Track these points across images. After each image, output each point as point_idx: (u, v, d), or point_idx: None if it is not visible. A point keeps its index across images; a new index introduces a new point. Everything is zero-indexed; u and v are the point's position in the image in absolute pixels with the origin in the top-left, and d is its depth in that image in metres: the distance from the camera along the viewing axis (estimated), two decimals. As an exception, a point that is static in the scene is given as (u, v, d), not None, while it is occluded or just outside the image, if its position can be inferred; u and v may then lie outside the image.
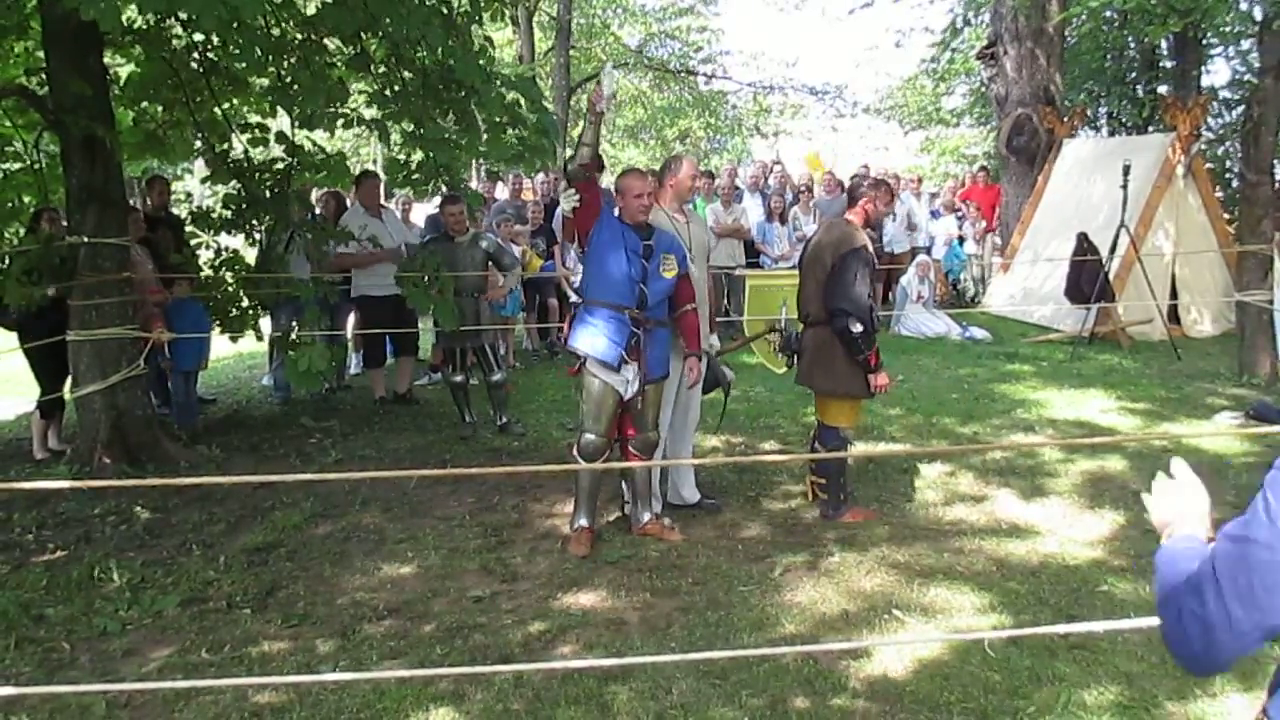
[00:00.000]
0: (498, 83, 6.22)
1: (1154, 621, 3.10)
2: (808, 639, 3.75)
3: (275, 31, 6.02)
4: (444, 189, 6.76)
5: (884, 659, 3.54)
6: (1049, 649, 3.57)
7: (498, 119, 6.15)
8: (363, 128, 6.48)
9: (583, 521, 4.80)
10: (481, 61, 6.05)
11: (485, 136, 6.22)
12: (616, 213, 4.74)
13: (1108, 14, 15.62)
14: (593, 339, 4.64)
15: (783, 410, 7.39)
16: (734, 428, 6.87)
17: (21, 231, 6.55)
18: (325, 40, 6.19)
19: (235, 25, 5.69)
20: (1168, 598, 1.46)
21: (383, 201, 8.77)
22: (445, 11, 5.99)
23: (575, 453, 4.81)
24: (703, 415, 5.49)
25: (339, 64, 6.33)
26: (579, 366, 4.73)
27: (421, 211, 10.84)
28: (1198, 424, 6.84)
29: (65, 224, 6.31)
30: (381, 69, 6.09)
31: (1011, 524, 4.93)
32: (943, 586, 4.18)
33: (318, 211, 8.50)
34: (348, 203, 8.54)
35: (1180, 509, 1.59)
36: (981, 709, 3.20)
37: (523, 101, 6.25)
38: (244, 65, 6.09)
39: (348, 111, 6.41)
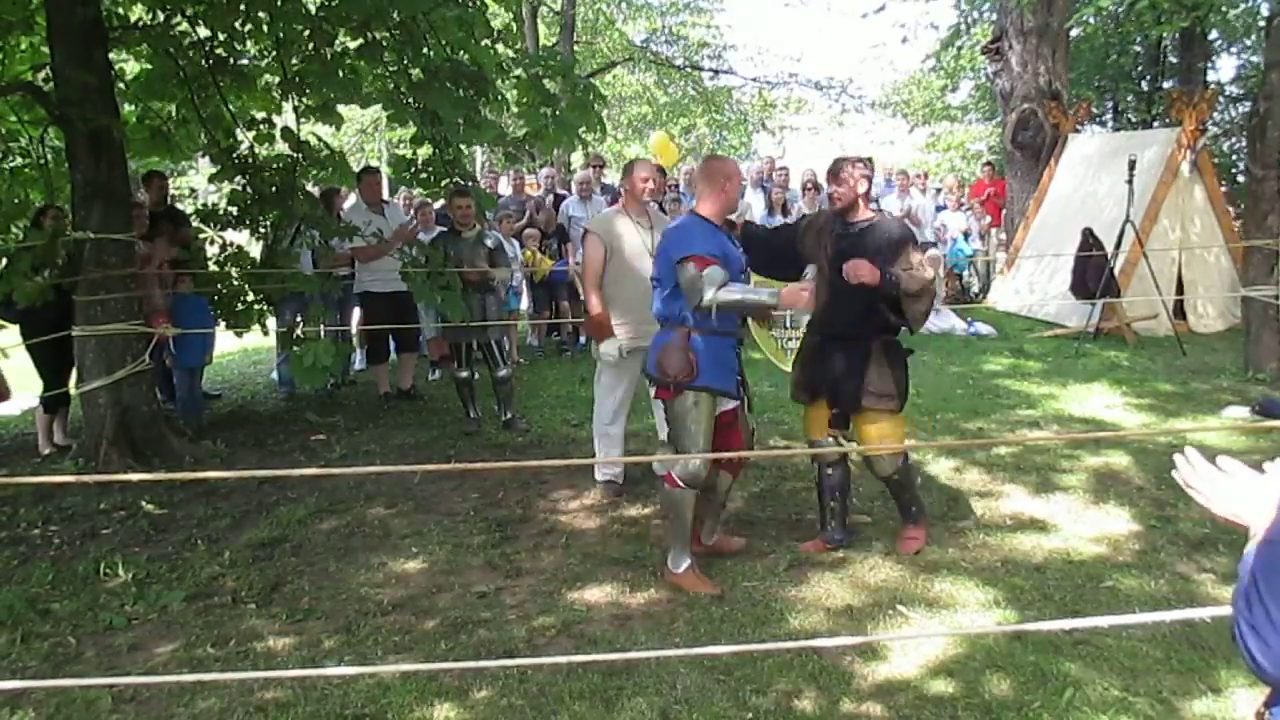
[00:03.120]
0: (524, 63, 6.22)
1: (1158, 617, 3.12)
2: (812, 634, 3.75)
3: (281, 29, 6.05)
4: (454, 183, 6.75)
5: (889, 654, 3.54)
6: (1054, 645, 3.56)
7: (525, 100, 6.15)
8: (369, 117, 6.52)
9: (686, 562, 4.22)
10: (508, 46, 6.05)
11: (517, 117, 6.23)
12: (706, 214, 4.25)
13: (1113, 9, 15.59)
14: (716, 372, 4.13)
15: (787, 406, 7.36)
16: (738, 423, 6.88)
17: (27, 228, 6.57)
18: (334, 30, 6.20)
19: (244, 21, 5.73)
20: (1234, 606, 1.43)
21: (385, 197, 8.77)
22: None
23: (675, 483, 4.20)
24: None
25: (350, 54, 6.34)
26: (678, 389, 4.12)
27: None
28: (1204, 420, 6.82)
29: (69, 220, 6.32)
30: (394, 58, 6.08)
31: (1017, 519, 4.92)
32: (948, 582, 4.18)
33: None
34: (346, 202, 8.52)
35: (1260, 509, 1.50)
36: (986, 704, 3.19)
37: (550, 80, 6.22)
38: (252, 60, 6.11)
39: (367, 93, 6.41)
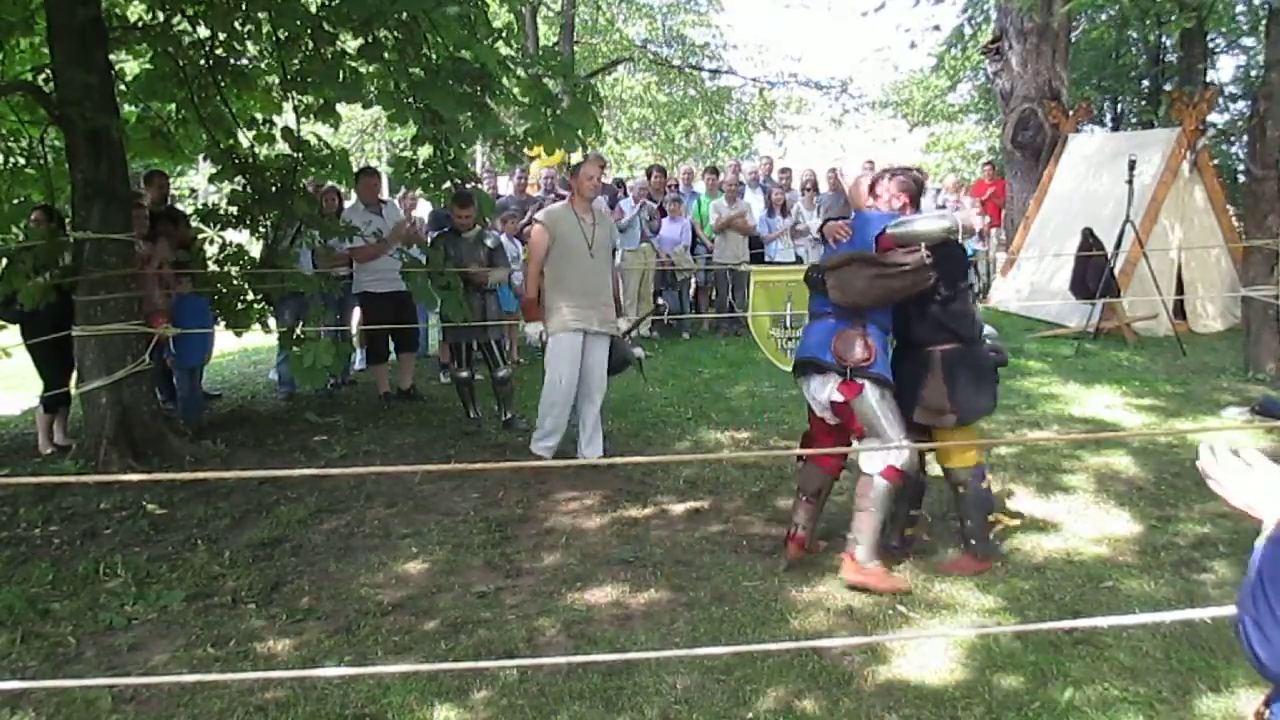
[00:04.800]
0: (524, 63, 6.24)
1: (1159, 617, 3.12)
2: (813, 635, 3.75)
3: (282, 27, 6.05)
4: (456, 185, 6.75)
5: (889, 655, 3.54)
6: (1054, 645, 3.56)
7: (526, 100, 6.17)
8: (368, 117, 6.54)
9: (877, 560, 4.15)
10: (509, 44, 6.06)
11: (519, 116, 6.31)
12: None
13: (1112, 12, 15.62)
14: (884, 363, 4.15)
15: (788, 405, 7.38)
16: (739, 423, 6.88)
17: (27, 228, 6.56)
18: (336, 30, 6.20)
19: (244, 21, 5.73)
20: (1239, 602, 1.41)
21: (384, 196, 8.77)
22: None
23: (896, 475, 4.13)
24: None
25: (351, 54, 6.35)
26: (861, 387, 4.09)
27: (425, 205, 10.82)
28: (1204, 420, 6.82)
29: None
30: (395, 57, 6.08)
31: (1017, 520, 4.91)
32: (948, 582, 4.18)
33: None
34: (345, 201, 8.51)
35: (1274, 502, 1.48)
36: (987, 704, 3.19)
37: (550, 79, 6.24)
38: (252, 60, 6.12)
39: (367, 92, 6.42)
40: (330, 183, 8.35)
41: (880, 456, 4.11)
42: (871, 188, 4.35)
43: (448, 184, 6.61)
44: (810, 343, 4.25)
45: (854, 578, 4.08)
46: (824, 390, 4.17)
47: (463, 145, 6.66)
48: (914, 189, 4.30)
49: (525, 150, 6.65)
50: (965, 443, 4.27)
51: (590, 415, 6.01)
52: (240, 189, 6.93)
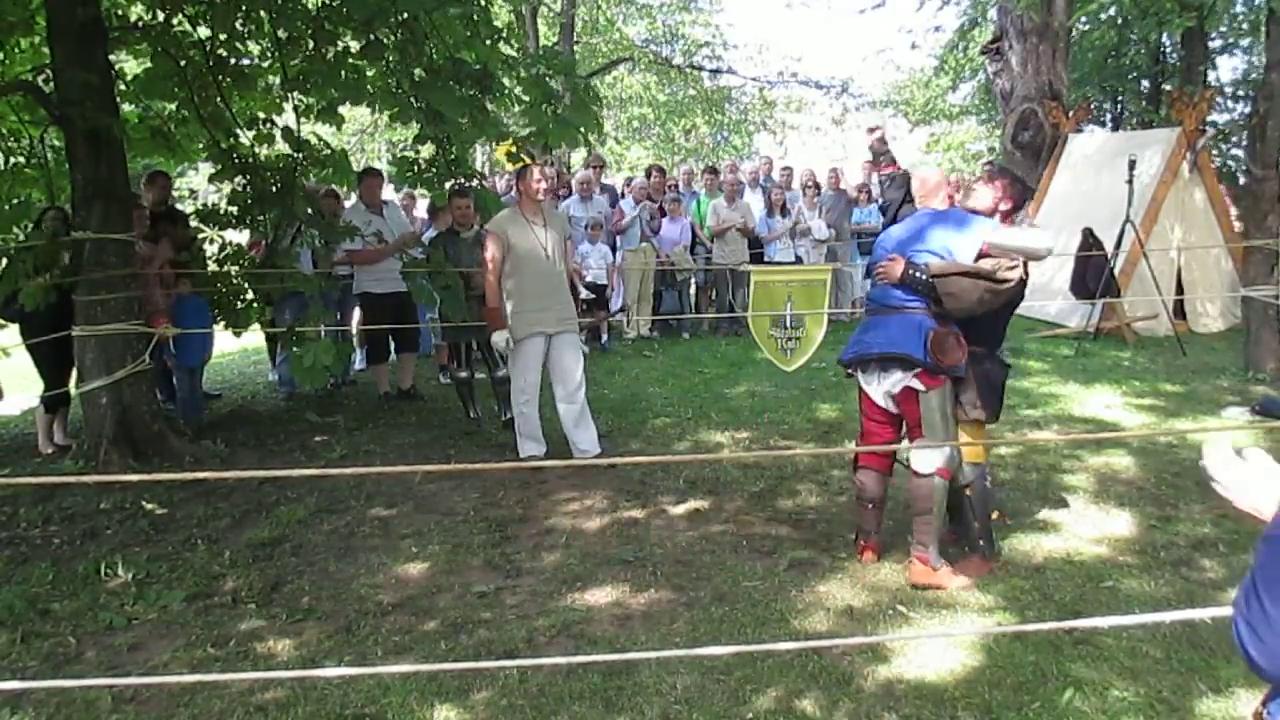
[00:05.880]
0: (524, 62, 6.25)
1: (1159, 617, 3.11)
2: (813, 635, 3.75)
3: (283, 26, 6.06)
4: (459, 184, 6.75)
5: (889, 655, 3.54)
6: (1054, 645, 3.56)
7: (528, 98, 6.19)
8: (368, 117, 6.55)
9: (944, 560, 4.22)
10: (510, 44, 6.07)
11: (520, 112, 6.36)
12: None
13: (1112, 12, 15.63)
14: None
15: (788, 405, 7.38)
16: (739, 423, 6.88)
17: (29, 228, 6.56)
18: (337, 30, 6.21)
19: (245, 21, 5.72)
20: (1234, 603, 1.40)
21: (385, 197, 8.76)
22: None
23: (945, 476, 4.15)
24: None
25: (352, 54, 6.36)
26: (943, 381, 4.16)
27: (424, 206, 10.82)
28: (1204, 420, 6.82)
29: (71, 220, 6.32)
30: (395, 58, 6.08)
31: (1017, 519, 4.92)
32: (947, 582, 4.17)
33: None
34: (345, 203, 8.51)
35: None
36: (986, 704, 3.19)
37: (552, 77, 6.26)
38: (253, 60, 6.12)
39: (369, 92, 6.43)
40: (329, 185, 8.34)
41: (931, 457, 4.13)
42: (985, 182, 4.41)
43: (451, 183, 6.61)
44: (894, 337, 4.14)
45: (926, 580, 4.11)
46: (891, 378, 4.16)
47: (465, 144, 6.67)
48: (1019, 198, 4.41)
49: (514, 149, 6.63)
50: (975, 442, 4.32)
51: (570, 414, 6.02)
52: (240, 189, 6.92)
